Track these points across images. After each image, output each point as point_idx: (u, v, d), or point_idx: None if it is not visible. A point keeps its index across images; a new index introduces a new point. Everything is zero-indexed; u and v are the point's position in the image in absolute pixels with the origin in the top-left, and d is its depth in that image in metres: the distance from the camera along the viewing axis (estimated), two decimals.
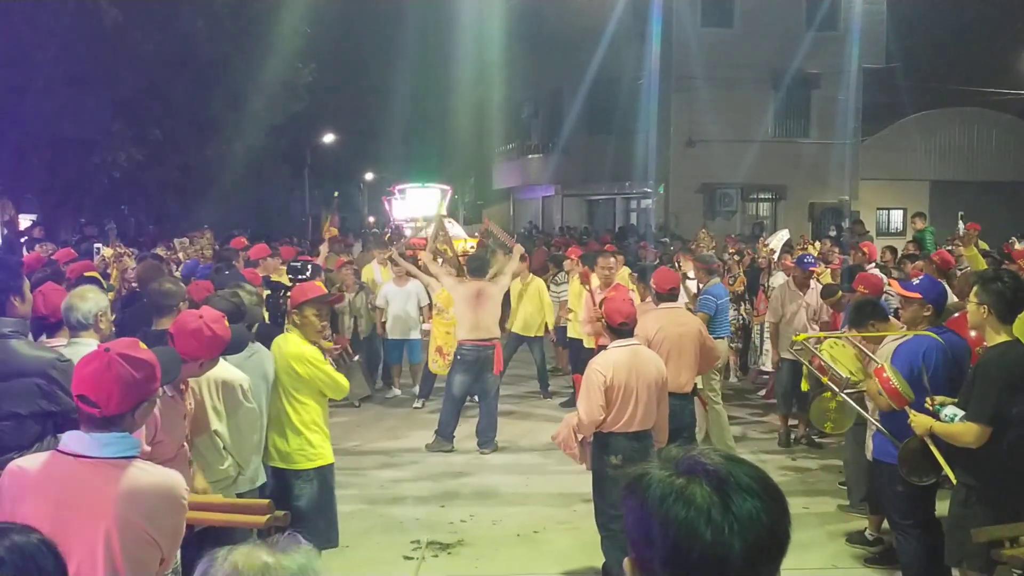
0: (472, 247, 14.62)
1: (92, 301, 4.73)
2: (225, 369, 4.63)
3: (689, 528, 1.42)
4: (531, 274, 12.08)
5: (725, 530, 1.41)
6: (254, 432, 4.85)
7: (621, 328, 5.78)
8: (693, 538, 1.42)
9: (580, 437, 5.90)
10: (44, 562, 1.91)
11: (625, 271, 11.63)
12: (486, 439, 9.42)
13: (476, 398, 9.82)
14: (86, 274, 7.89)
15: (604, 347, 10.35)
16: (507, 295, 11.60)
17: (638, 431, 5.76)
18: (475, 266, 9.72)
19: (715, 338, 8.34)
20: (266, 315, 7.54)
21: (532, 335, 11.78)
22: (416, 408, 11.21)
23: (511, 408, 11.27)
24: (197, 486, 4.06)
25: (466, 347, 9.32)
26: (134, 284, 8.91)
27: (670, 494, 1.45)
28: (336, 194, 17.04)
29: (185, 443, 4.16)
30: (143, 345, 3.06)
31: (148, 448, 3.66)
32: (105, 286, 7.60)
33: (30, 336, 4.91)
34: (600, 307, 6.14)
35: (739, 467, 1.49)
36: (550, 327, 11.91)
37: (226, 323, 4.19)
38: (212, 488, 4.53)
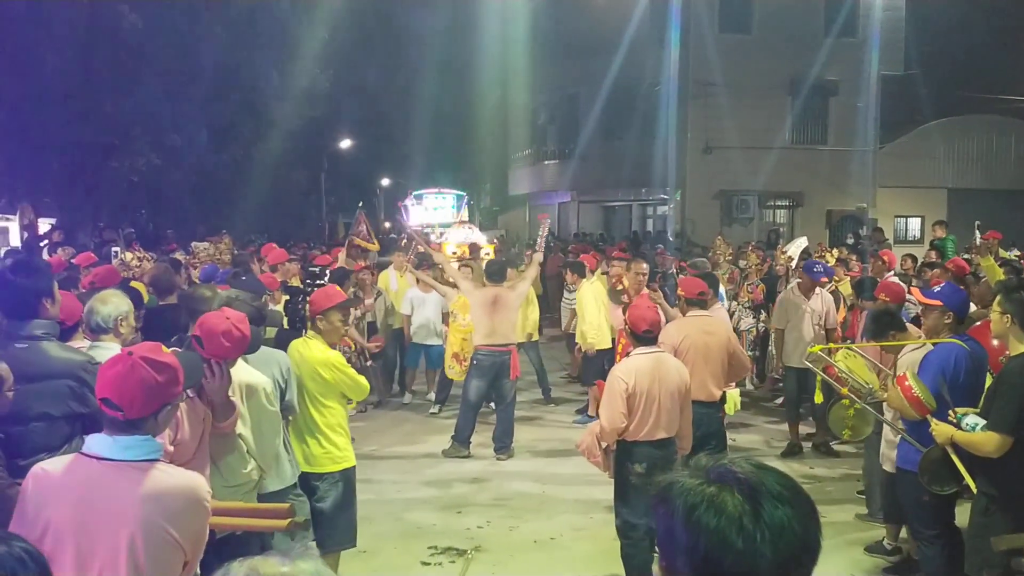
0: (488, 253, 14.64)
1: (112, 305, 4.75)
2: (249, 372, 4.65)
3: (720, 537, 1.41)
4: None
5: (756, 538, 1.41)
6: (276, 435, 4.86)
7: (645, 335, 5.76)
8: (724, 547, 1.41)
9: (604, 445, 5.88)
10: (26, 573, 1.84)
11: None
12: (502, 445, 9.43)
13: (493, 404, 9.84)
14: (132, 284, 7.90)
15: (599, 351, 10.54)
16: None
17: (662, 439, 5.74)
18: (493, 271, 9.74)
19: None
20: (285, 320, 7.56)
21: (524, 340, 11.79)
22: (433, 414, 11.22)
23: (528, 414, 11.27)
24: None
25: (482, 352, 9.36)
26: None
27: (701, 503, 1.45)
28: (361, 204, 16.95)
29: (208, 447, 4.18)
30: (166, 349, 3.08)
31: (171, 448, 3.68)
32: (147, 299, 7.63)
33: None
34: (624, 314, 6.12)
35: (770, 475, 1.49)
36: (533, 332, 12.00)
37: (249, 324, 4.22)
38: (234, 491, 4.54)
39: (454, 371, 10.80)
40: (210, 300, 5.04)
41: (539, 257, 10.58)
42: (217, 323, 4.08)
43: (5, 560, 1.82)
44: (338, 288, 6.66)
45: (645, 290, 9.42)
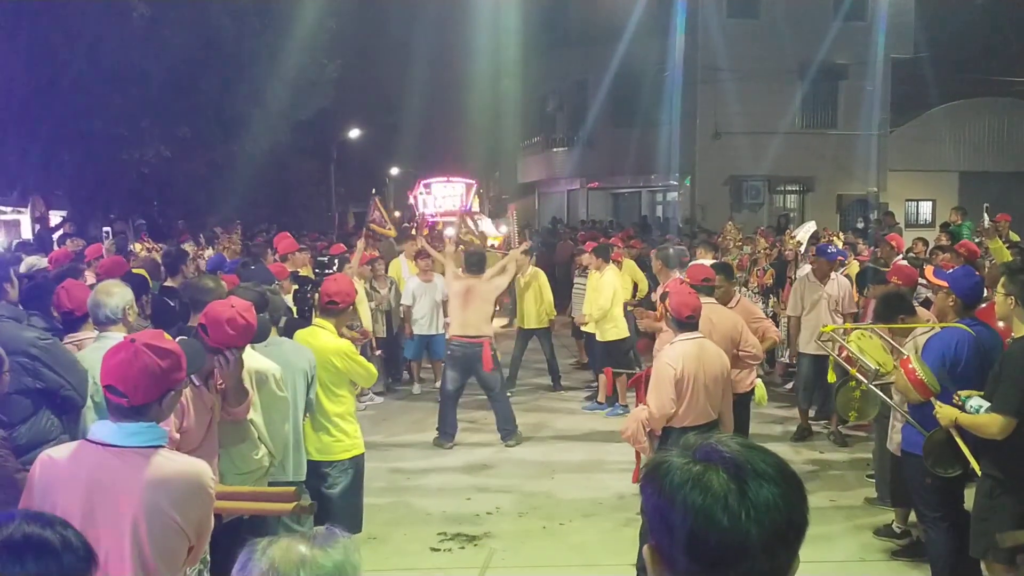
0: (493, 245, 14.67)
1: (118, 296, 4.79)
2: (258, 359, 4.68)
3: (706, 515, 1.43)
4: (532, 267, 12.14)
5: (742, 516, 1.42)
6: (286, 422, 4.90)
7: (688, 321, 5.75)
8: (710, 525, 1.42)
9: (648, 430, 5.89)
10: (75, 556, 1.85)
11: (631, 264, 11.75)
12: (506, 432, 9.47)
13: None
14: (134, 271, 7.96)
15: (613, 341, 10.45)
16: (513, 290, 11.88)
17: (706, 423, 5.73)
18: (472, 262, 9.72)
19: None
20: (294, 309, 7.60)
21: (536, 327, 11.88)
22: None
23: (536, 401, 11.34)
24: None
25: (455, 343, 9.45)
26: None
27: (687, 481, 1.46)
28: (373, 191, 16.93)
29: (216, 435, 4.21)
30: (168, 336, 3.11)
31: (177, 436, 3.71)
32: (151, 285, 7.69)
33: (60, 324, 5.05)
34: (663, 301, 6.10)
35: (756, 454, 1.50)
36: (551, 316, 12.05)
37: (255, 312, 4.23)
38: (245, 477, 4.58)
39: None
40: (213, 290, 5.07)
41: (516, 254, 10.52)
42: (222, 311, 4.10)
43: (53, 544, 1.82)
44: (349, 278, 6.72)
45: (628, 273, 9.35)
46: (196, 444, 3.84)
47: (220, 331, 4.04)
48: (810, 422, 9.66)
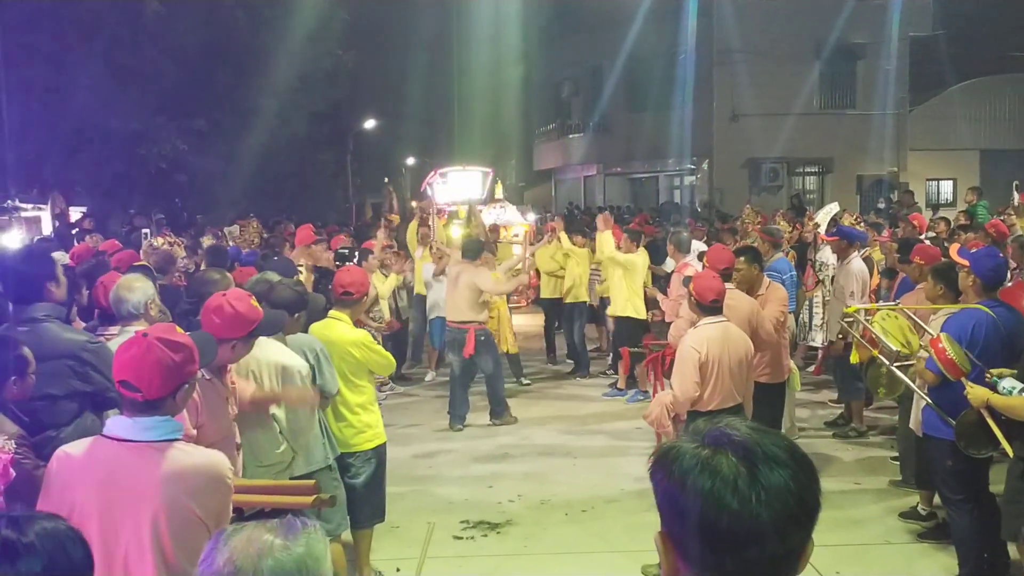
0: (517, 235, 14.65)
1: (140, 291, 4.79)
2: (285, 355, 4.65)
3: (715, 498, 1.41)
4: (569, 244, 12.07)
5: (752, 499, 1.40)
6: (311, 419, 4.88)
7: (712, 305, 5.73)
8: (719, 509, 1.40)
9: (673, 415, 5.86)
10: (73, 550, 1.82)
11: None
12: (496, 411, 9.74)
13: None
14: (135, 264, 7.99)
15: (633, 320, 10.38)
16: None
17: (730, 407, 5.69)
18: (467, 248, 9.76)
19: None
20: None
21: (549, 297, 12.14)
22: None
23: (558, 387, 11.32)
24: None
25: (449, 328, 9.72)
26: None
27: (696, 465, 1.44)
28: (387, 180, 17.04)
29: (235, 426, 4.18)
30: (180, 329, 3.09)
31: (194, 432, 3.69)
32: (155, 275, 7.70)
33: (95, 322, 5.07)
34: (687, 285, 6.07)
35: (766, 437, 1.48)
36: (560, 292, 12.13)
37: (254, 303, 4.13)
38: (267, 470, 4.57)
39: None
40: (218, 283, 5.05)
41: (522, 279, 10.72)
42: (212, 300, 4.06)
43: (57, 534, 1.80)
44: (363, 269, 6.71)
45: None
46: (216, 438, 3.80)
47: (207, 320, 4.00)
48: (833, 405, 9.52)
